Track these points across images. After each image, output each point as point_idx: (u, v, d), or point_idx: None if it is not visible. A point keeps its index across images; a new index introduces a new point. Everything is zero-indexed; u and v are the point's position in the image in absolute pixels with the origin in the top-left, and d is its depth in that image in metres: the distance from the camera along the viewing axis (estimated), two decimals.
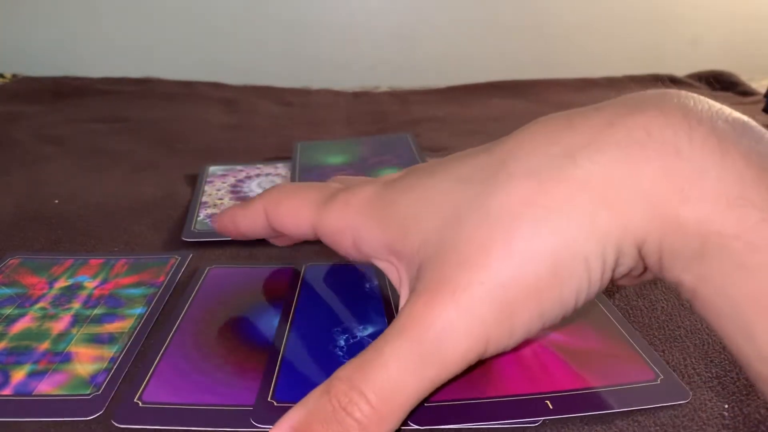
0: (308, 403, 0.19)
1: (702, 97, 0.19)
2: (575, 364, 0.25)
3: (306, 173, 0.47)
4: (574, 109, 0.21)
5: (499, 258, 0.19)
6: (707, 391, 0.24)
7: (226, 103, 0.70)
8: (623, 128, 0.19)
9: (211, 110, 0.68)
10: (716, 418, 0.23)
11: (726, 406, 0.23)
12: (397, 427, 0.19)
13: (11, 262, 0.35)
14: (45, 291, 0.32)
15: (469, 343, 0.19)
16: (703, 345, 0.27)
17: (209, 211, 0.41)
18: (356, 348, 0.27)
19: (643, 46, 0.99)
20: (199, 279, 0.33)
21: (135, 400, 0.24)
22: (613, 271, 0.20)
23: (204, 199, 0.43)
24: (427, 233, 0.21)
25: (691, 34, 0.99)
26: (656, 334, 0.28)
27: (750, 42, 1.00)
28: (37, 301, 0.31)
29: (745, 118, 0.19)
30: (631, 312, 0.29)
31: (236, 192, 0.44)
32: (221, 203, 0.42)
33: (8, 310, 0.30)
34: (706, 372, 0.25)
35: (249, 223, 0.29)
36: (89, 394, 0.24)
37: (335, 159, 0.49)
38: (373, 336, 0.27)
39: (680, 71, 0.80)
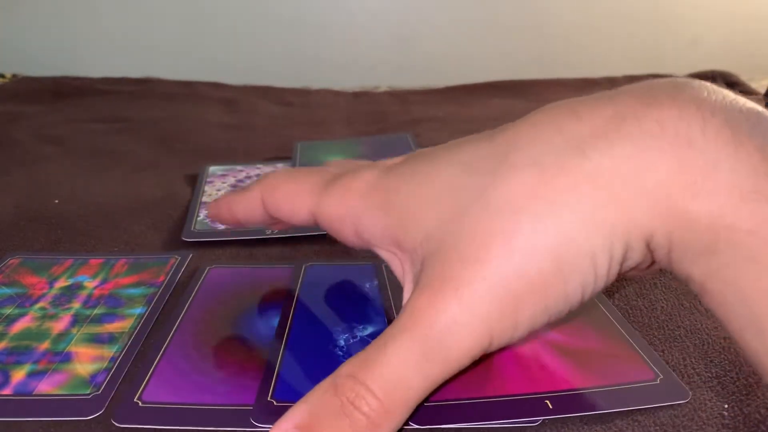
0: (311, 400, 0.19)
1: (716, 87, 0.19)
2: (575, 363, 0.25)
3: None
4: (576, 99, 0.20)
5: (501, 254, 0.19)
6: (707, 390, 0.24)
7: (226, 103, 0.70)
8: (635, 120, 0.18)
9: (211, 110, 0.68)
10: (716, 417, 0.23)
11: (726, 405, 0.23)
12: (402, 423, 0.19)
13: (11, 262, 0.35)
14: (45, 291, 0.32)
15: (473, 339, 0.19)
16: (703, 345, 0.27)
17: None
18: (356, 347, 0.27)
19: (643, 46, 0.99)
20: (199, 279, 0.33)
21: (135, 400, 0.24)
22: (621, 264, 0.19)
23: (204, 199, 0.43)
24: (429, 227, 0.21)
25: (691, 34, 0.99)
26: (656, 333, 0.28)
27: (750, 42, 1.00)
28: (37, 301, 0.31)
29: (759, 108, 0.18)
30: (630, 312, 0.29)
31: None
32: None
33: (8, 310, 0.30)
34: (706, 372, 0.25)
35: (245, 209, 0.28)
36: (89, 394, 0.24)
37: (335, 159, 0.49)
38: (373, 336, 0.27)
39: (680, 71, 0.80)
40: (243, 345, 0.27)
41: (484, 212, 0.19)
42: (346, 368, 0.20)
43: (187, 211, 0.41)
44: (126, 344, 0.27)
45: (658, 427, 0.22)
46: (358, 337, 0.27)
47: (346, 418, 0.18)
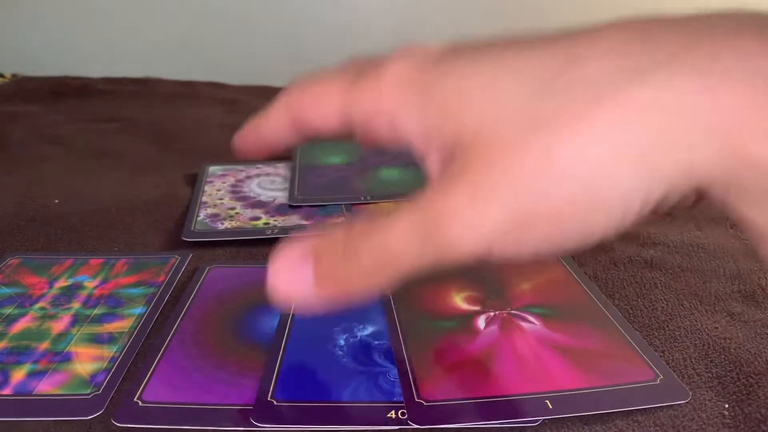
0: (323, 239, 0.20)
1: None
2: (575, 363, 0.25)
3: (306, 173, 0.47)
4: (646, 20, 0.19)
5: (530, 170, 0.18)
6: (707, 391, 0.24)
7: (226, 103, 0.70)
8: (709, 49, 0.17)
9: (211, 110, 0.68)
10: (716, 417, 0.23)
11: (726, 405, 0.23)
12: (388, 284, 0.20)
13: (11, 262, 0.35)
14: (45, 291, 0.32)
15: (471, 244, 0.19)
16: (703, 345, 0.27)
17: (209, 211, 0.41)
18: (356, 347, 0.27)
19: None
20: (199, 279, 0.33)
21: (135, 400, 0.24)
22: (658, 204, 0.18)
23: (204, 199, 0.43)
24: (467, 126, 0.20)
25: None
26: (656, 334, 0.28)
27: None
28: (37, 301, 0.31)
29: None
30: (631, 312, 0.29)
31: (236, 192, 0.44)
32: (221, 203, 0.42)
33: (8, 310, 0.30)
34: (707, 372, 0.25)
35: (271, 126, 0.26)
36: (89, 394, 0.24)
37: (335, 159, 0.49)
38: (373, 335, 0.27)
39: None
40: (243, 345, 0.27)
41: (525, 124, 0.18)
42: (357, 223, 0.20)
43: (187, 211, 0.41)
44: (126, 344, 0.27)
45: (658, 427, 0.22)
46: (358, 337, 0.27)
47: (344, 263, 0.20)
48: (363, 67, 0.23)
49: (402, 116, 0.22)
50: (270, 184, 0.46)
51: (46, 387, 0.25)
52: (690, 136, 0.17)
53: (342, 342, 0.27)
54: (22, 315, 0.30)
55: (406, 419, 0.23)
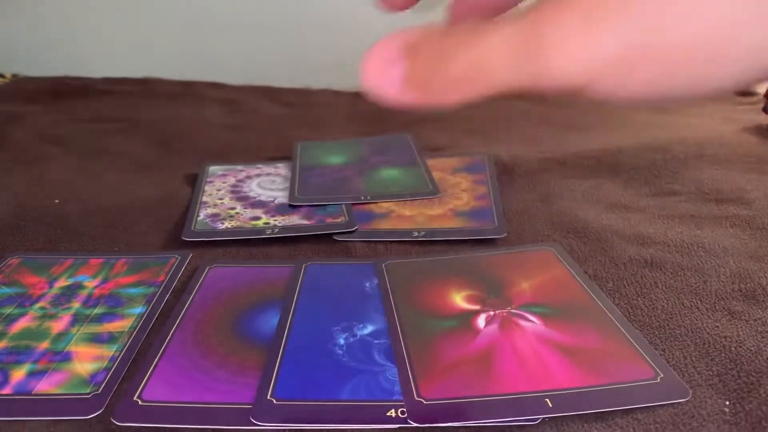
0: (425, 39, 0.20)
1: None
2: (575, 362, 0.25)
3: (306, 173, 0.47)
4: None
5: (659, 6, 0.16)
6: (708, 389, 0.24)
7: (226, 103, 0.70)
8: None
9: (211, 110, 0.68)
10: (717, 415, 0.23)
11: (727, 403, 0.23)
12: (476, 98, 0.19)
13: (11, 261, 0.35)
14: (45, 290, 0.32)
15: (576, 70, 0.17)
16: (704, 344, 0.27)
17: (209, 211, 0.41)
18: (356, 347, 0.27)
19: None
20: (199, 278, 0.33)
21: (135, 399, 0.24)
22: None
23: (204, 199, 0.43)
24: None
25: None
26: (656, 332, 0.28)
27: None
28: (37, 301, 0.31)
29: None
30: (631, 311, 0.29)
31: (236, 192, 0.44)
32: (221, 203, 0.42)
33: (8, 310, 0.30)
34: (707, 370, 0.25)
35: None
36: (89, 393, 0.24)
37: (335, 159, 0.49)
38: (373, 335, 0.27)
39: None
40: (243, 344, 0.27)
41: None
42: (458, 33, 0.19)
43: (187, 211, 0.41)
44: (126, 343, 0.27)
45: (658, 426, 0.22)
46: (358, 336, 0.27)
47: (441, 65, 0.19)
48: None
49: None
50: (270, 184, 0.46)
51: (45, 386, 0.25)
52: None
53: (342, 341, 0.27)
54: (22, 315, 0.30)
55: (406, 418, 0.23)
